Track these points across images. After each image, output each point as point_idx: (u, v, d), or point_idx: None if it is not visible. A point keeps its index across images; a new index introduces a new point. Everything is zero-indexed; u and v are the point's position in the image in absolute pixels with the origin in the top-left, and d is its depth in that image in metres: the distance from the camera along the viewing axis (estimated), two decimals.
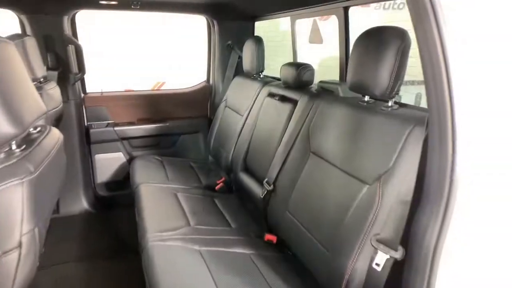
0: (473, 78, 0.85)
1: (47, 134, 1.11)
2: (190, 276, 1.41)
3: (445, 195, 0.90)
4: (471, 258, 0.97)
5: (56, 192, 1.17)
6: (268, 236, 1.79)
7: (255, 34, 3.00)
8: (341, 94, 1.71)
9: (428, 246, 0.95)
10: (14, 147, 0.92)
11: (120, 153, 2.94)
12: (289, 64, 2.09)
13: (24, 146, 0.96)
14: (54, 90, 2.08)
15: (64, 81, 2.54)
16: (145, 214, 1.86)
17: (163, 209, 1.96)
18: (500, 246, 0.97)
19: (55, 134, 1.17)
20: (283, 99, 2.07)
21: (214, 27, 2.97)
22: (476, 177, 0.88)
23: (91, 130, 2.81)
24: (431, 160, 0.94)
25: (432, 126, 0.91)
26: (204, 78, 3.26)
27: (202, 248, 1.62)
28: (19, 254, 0.83)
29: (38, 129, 1.11)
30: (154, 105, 3.04)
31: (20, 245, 0.83)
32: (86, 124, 2.82)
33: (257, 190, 1.96)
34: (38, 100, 1.09)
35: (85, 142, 2.81)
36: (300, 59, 2.58)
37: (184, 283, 1.36)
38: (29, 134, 1.05)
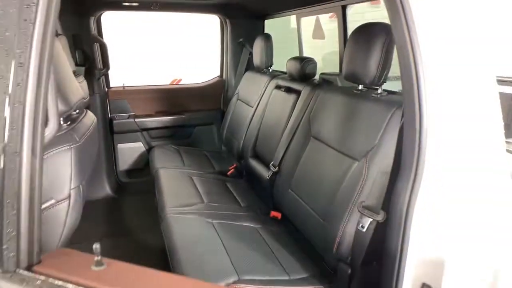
0: (440, 76, 1.02)
1: (85, 115, 1.34)
2: (204, 242, 1.62)
3: (413, 167, 1.08)
4: (438, 220, 1.14)
5: (93, 160, 1.40)
6: (274, 213, 1.99)
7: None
8: (339, 84, 1.89)
9: (402, 207, 1.14)
10: (62, 122, 1.15)
11: (140, 143, 3.19)
12: (294, 58, 2.28)
13: (69, 122, 1.19)
14: (82, 83, 2.32)
15: (90, 76, 2.79)
16: (164, 192, 2.09)
17: (180, 189, 2.19)
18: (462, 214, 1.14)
19: (91, 116, 1.40)
20: (289, 90, 2.26)
21: (227, 26, 3.19)
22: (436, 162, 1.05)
23: (114, 122, 3.06)
24: (405, 140, 1.13)
25: (405, 113, 1.09)
26: (217, 74, 3.48)
27: (214, 221, 1.83)
28: (68, 204, 1.06)
29: (77, 111, 1.34)
30: (172, 99, 3.28)
31: (69, 197, 1.06)
32: (109, 115, 3.07)
33: (265, 173, 2.16)
34: (78, 86, 1.32)
35: (108, 133, 3.06)
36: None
37: (199, 247, 1.58)
38: (71, 114, 1.28)
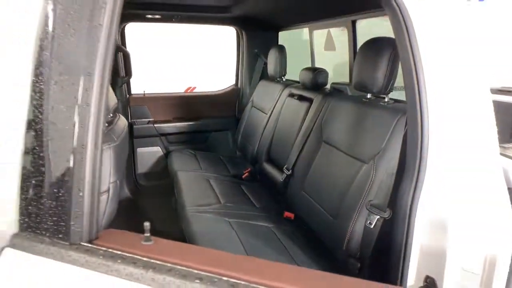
0: (440, 86, 1.14)
1: (119, 118, 1.50)
2: (223, 238, 1.75)
3: (416, 169, 1.19)
4: (439, 217, 1.25)
5: (125, 160, 1.55)
6: (287, 214, 2.10)
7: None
8: (349, 93, 2.02)
9: (406, 205, 1.24)
10: None
11: (158, 147, 3.35)
12: (307, 68, 2.42)
13: (107, 124, 1.33)
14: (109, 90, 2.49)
15: (113, 83, 2.96)
16: (183, 193, 2.22)
17: (198, 190, 2.32)
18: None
19: (124, 119, 1.55)
20: (301, 98, 2.39)
21: (243, 37, 3.35)
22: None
23: (135, 127, 3.23)
24: (409, 144, 1.24)
25: (408, 120, 1.21)
26: (228, 82, 3.64)
27: (231, 219, 1.95)
28: (108, 196, 1.20)
29: (111, 115, 1.49)
30: (189, 105, 3.44)
31: (108, 190, 1.20)
32: (130, 121, 3.24)
33: (278, 176, 2.28)
34: (112, 92, 1.48)
35: (128, 137, 3.22)
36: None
37: (218, 243, 1.70)
38: (107, 117, 1.43)
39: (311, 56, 2.87)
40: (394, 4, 1.10)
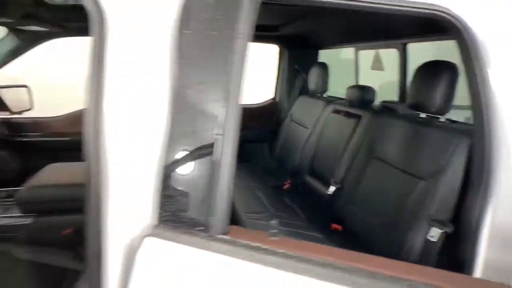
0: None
1: None
2: None
3: (484, 185, 1.27)
4: (507, 232, 1.32)
5: None
6: (335, 225, 2.18)
7: None
8: (400, 112, 2.11)
9: (473, 220, 1.31)
10: None
11: None
12: (354, 86, 2.53)
13: None
14: None
15: None
16: (234, 199, 2.32)
17: (246, 197, 2.42)
18: None
19: None
20: (348, 114, 2.49)
21: (285, 54, 3.49)
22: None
23: None
24: (476, 161, 1.32)
25: (475, 141, 1.28)
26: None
27: (282, 228, 2.04)
28: None
29: None
30: None
31: None
32: None
33: (323, 189, 2.37)
34: None
35: None
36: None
37: None
38: None
39: (356, 74, 2.99)
40: (462, 30, 1.18)
